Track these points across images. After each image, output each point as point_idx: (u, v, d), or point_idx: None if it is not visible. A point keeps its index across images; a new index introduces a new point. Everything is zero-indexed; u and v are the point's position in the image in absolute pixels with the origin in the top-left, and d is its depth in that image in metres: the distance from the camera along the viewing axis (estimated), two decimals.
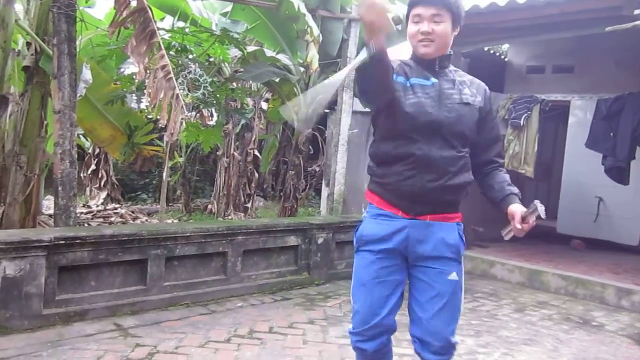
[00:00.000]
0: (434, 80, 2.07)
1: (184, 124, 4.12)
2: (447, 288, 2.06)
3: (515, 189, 2.15)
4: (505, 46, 8.19)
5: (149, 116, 6.38)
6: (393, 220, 2.08)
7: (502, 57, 8.24)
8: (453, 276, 2.07)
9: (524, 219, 2.00)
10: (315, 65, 4.99)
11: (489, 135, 2.18)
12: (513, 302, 5.04)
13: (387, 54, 1.86)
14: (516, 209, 2.04)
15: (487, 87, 2.20)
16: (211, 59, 6.28)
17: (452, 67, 2.15)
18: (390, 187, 2.08)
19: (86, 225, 6.28)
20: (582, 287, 5.38)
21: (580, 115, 7.21)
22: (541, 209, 1.96)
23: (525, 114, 6.78)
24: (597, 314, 4.86)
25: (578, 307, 5.03)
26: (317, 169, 8.95)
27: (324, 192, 6.78)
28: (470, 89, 2.12)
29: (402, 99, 2.02)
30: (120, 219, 7.28)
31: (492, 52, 8.02)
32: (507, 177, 2.19)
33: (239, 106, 7.35)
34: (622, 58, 6.80)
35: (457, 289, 2.10)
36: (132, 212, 7.85)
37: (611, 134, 6.32)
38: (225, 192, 8.08)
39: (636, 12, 4.32)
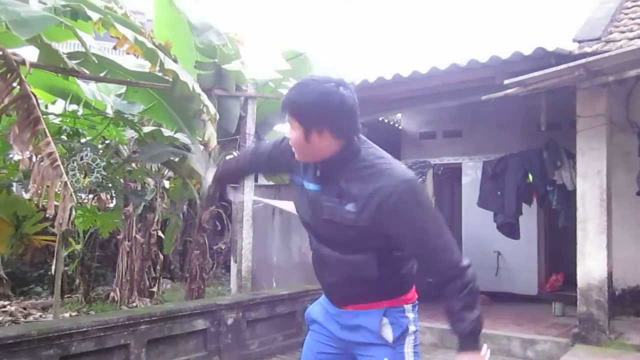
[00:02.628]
0: (315, 187, 1.92)
1: (74, 211, 3.91)
2: None
3: (460, 325, 1.82)
4: (399, 115, 8.68)
5: (40, 204, 6.02)
6: (329, 306, 2.08)
7: (397, 125, 8.70)
8: None
9: None
10: (213, 143, 4.99)
11: (411, 246, 1.85)
12: None
13: None
14: None
15: (396, 185, 1.76)
16: (107, 141, 6.12)
17: (353, 168, 1.83)
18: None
19: None
20: (490, 342, 5.49)
21: (472, 175, 7.68)
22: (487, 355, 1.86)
23: (420, 179, 7.11)
24: None
25: None
26: (223, 247, 8.78)
27: (233, 269, 6.64)
28: (357, 202, 1.79)
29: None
30: (10, 318, 6.66)
31: (386, 121, 8.45)
32: (451, 305, 1.83)
33: (139, 187, 7.14)
34: (502, 122, 7.41)
35: None
36: (24, 309, 7.21)
37: (498, 192, 6.76)
38: (129, 278, 7.66)
39: (506, 81, 4.76)
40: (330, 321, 2.06)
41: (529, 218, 7.07)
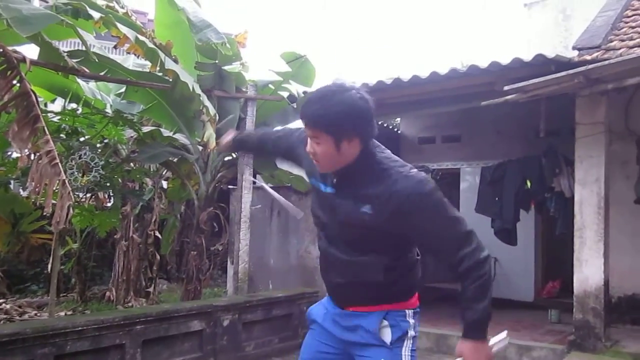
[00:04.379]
0: (330, 190, 1.96)
1: (72, 210, 3.90)
2: None
3: (467, 313, 1.90)
4: (398, 119, 8.69)
5: (38, 202, 6.01)
6: (330, 306, 2.11)
7: (396, 129, 8.71)
8: None
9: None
10: (212, 144, 4.98)
11: (428, 239, 1.89)
12: None
13: None
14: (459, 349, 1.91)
15: (413, 187, 1.81)
16: (106, 141, 6.11)
17: (369, 172, 1.86)
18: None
19: None
20: None
21: (471, 181, 7.69)
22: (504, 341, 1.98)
23: None
24: None
25: None
26: (220, 248, 8.76)
27: (230, 270, 6.63)
28: (374, 204, 1.83)
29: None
30: (5, 316, 6.63)
31: (385, 125, 8.46)
32: (465, 293, 1.90)
33: (137, 187, 7.13)
34: (501, 128, 7.42)
35: None
36: (20, 307, 7.19)
37: (496, 198, 6.76)
38: (125, 277, 7.64)
39: (506, 88, 4.77)
40: (330, 321, 2.09)
41: (526, 225, 7.07)
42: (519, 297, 7.42)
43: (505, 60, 5.18)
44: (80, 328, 3.95)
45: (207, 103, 4.95)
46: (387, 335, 1.97)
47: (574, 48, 5.64)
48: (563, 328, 6.00)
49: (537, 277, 7.55)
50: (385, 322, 1.98)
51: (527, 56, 5.11)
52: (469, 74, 5.37)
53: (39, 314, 6.86)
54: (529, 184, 6.62)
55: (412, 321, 2.04)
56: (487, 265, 1.86)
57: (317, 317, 2.15)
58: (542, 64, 5.02)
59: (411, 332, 2.02)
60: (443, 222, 1.85)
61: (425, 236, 1.87)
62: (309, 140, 1.86)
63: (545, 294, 7.41)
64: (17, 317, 6.60)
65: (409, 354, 2.01)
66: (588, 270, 5.08)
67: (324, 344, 2.11)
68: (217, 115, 5.24)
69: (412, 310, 2.06)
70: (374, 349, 1.98)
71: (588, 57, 5.21)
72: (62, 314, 6.61)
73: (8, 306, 7.08)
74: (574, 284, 5.18)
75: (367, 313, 2.00)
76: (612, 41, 5.63)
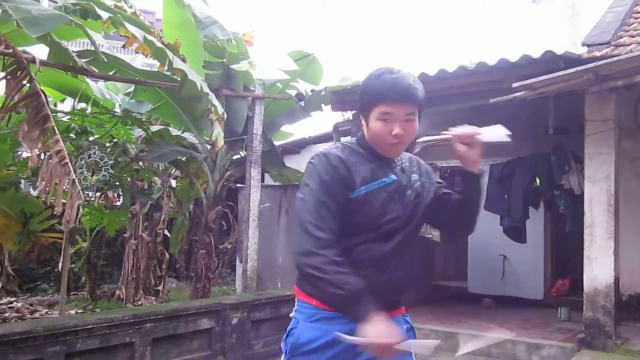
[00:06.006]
0: (393, 177, 1.90)
1: (82, 209, 3.93)
2: None
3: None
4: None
5: (48, 201, 6.06)
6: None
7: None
8: None
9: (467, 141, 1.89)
10: (220, 143, 5.00)
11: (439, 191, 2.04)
12: None
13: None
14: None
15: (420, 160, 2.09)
16: (115, 140, 6.14)
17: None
18: None
19: None
20: (495, 346, 5.51)
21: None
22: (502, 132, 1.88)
23: None
24: None
25: None
26: (229, 246, 8.80)
27: (238, 268, 6.66)
28: (417, 171, 2.02)
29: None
30: (16, 314, 6.69)
31: None
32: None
33: (146, 186, 7.17)
34: (510, 125, 7.31)
35: None
36: (30, 305, 7.25)
37: (505, 196, 6.73)
38: (135, 276, 7.68)
39: (514, 85, 4.74)
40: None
41: (535, 222, 7.03)
42: (528, 295, 7.38)
43: (513, 57, 5.15)
44: (90, 326, 3.97)
45: (215, 102, 4.97)
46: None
47: (583, 44, 5.60)
48: (573, 326, 5.97)
49: (547, 275, 7.50)
50: (409, 325, 1.96)
51: (536, 53, 5.08)
52: (477, 71, 5.35)
53: (49, 312, 6.92)
54: (538, 181, 6.59)
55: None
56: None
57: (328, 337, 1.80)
58: (551, 61, 4.99)
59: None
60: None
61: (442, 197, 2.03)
62: (394, 124, 1.81)
63: (555, 292, 7.37)
64: (28, 316, 6.66)
65: None
66: (598, 268, 5.05)
67: None
68: (225, 114, 5.26)
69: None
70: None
71: (597, 54, 5.17)
72: (73, 312, 6.66)
73: (19, 304, 7.14)
74: (584, 282, 5.14)
75: (397, 317, 1.93)
76: (621, 37, 5.59)
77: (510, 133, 1.86)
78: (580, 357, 4.74)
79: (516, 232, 6.76)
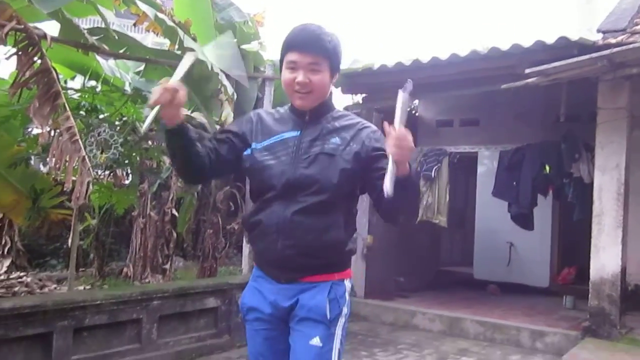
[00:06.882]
0: (295, 133, 1.93)
1: (91, 186, 3.95)
2: (306, 354, 1.85)
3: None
4: (416, 102, 8.61)
5: (57, 178, 6.09)
6: (267, 285, 1.99)
7: (414, 112, 8.64)
8: (315, 341, 1.84)
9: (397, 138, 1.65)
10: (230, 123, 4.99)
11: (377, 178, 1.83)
12: (435, 352, 5.09)
13: (184, 129, 1.87)
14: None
15: (374, 128, 1.97)
16: (125, 118, 6.14)
17: (333, 114, 1.99)
18: None
19: None
20: (499, 332, 5.54)
21: (488, 165, 7.63)
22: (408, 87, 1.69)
23: (436, 166, 7.08)
24: (514, 357, 5.00)
25: (496, 352, 5.15)
26: (236, 227, 8.82)
27: (245, 249, 6.67)
28: (341, 136, 1.92)
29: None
30: (26, 289, 6.77)
31: None
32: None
33: (155, 165, 7.18)
34: (520, 112, 7.33)
35: (320, 356, 1.85)
36: (40, 280, 7.32)
37: (514, 183, 6.71)
38: (142, 254, 7.72)
39: (527, 71, 4.70)
40: (267, 302, 1.94)
41: (543, 210, 7.01)
42: (533, 283, 7.40)
43: (527, 42, 5.09)
44: (98, 302, 4.03)
45: (226, 82, 4.94)
46: (328, 311, 1.87)
47: (598, 31, 5.53)
48: (578, 314, 5.99)
49: (553, 263, 7.51)
50: (330, 296, 1.88)
51: (550, 39, 5.01)
52: (490, 56, 5.30)
53: (58, 288, 6.99)
54: (547, 169, 6.56)
55: (347, 297, 1.95)
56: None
57: (252, 302, 1.98)
58: (565, 47, 4.94)
59: (345, 310, 1.93)
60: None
61: (375, 173, 1.83)
62: (298, 72, 1.86)
63: (561, 280, 7.38)
64: (38, 290, 6.73)
65: (342, 333, 1.92)
66: (605, 257, 5.04)
67: (265, 330, 1.96)
68: (234, 94, 5.24)
69: (350, 282, 1.99)
70: (313, 324, 1.86)
71: (612, 41, 5.10)
72: (81, 288, 6.73)
73: (29, 279, 7.22)
74: (591, 271, 5.14)
75: (317, 284, 1.89)
76: (637, 24, 5.50)
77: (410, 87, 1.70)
78: (584, 345, 4.75)
79: (524, 220, 6.75)
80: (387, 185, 1.65)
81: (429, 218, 7.05)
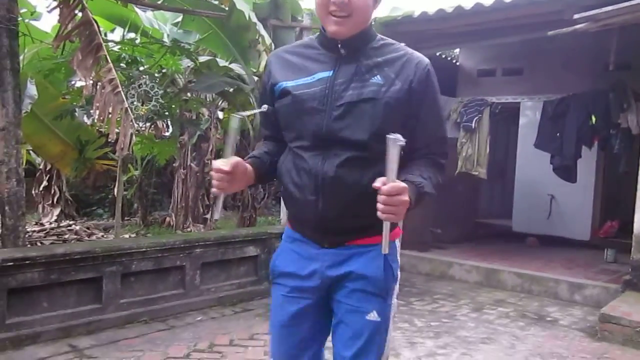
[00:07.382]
0: (327, 73, 1.63)
1: (134, 137, 4.05)
2: (364, 330, 1.63)
3: (417, 179, 1.57)
4: (457, 50, 8.37)
5: (101, 130, 6.25)
6: (308, 249, 1.74)
7: (454, 61, 8.42)
8: (372, 316, 1.64)
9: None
10: None
11: (425, 132, 1.66)
12: (471, 302, 5.13)
13: (257, 180, 1.75)
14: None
15: (424, 64, 1.65)
16: (164, 70, 6.20)
17: (373, 43, 1.66)
18: None
19: (38, 244, 6.09)
20: (537, 284, 5.53)
21: (530, 116, 7.43)
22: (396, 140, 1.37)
23: (477, 117, 6.93)
24: (552, 309, 5.00)
25: (533, 304, 5.16)
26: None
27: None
28: (383, 74, 1.61)
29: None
30: (75, 236, 7.08)
31: (443, 56, 8.19)
32: (422, 166, 1.63)
33: (194, 117, 7.27)
34: (567, 60, 7.05)
35: (379, 330, 1.66)
36: (88, 229, 7.65)
37: (557, 134, 6.53)
38: (184, 204, 7.96)
39: (575, 16, 4.48)
40: (308, 269, 1.68)
41: (587, 162, 6.82)
42: (574, 236, 7.30)
43: None
44: (144, 249, 4.19)
45: (263, 32, 4.91)
46: (384, 281, 1.66)
47: None
48: (619, 268, 5.91)
49: (595, 216, 7.36)
50: (386, 263, 1.65)
51: None
52: (536, 1, 5.07)
53: (105, 236, 7.29)
54: (593, 119, 6.34)
55: (398, 258, 1.73)
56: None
57: (287, 267, 1.73)
58: None
59: (398, 274, 1.72)
60: (441, 112, 1.76)
61: (424, 123, 1.64)
62: None
63: (602, 233, 7.25)
64: (86, 238, 7.04)
65: (396, 302, 1.73)
66: None
67: (297, 298, 1.71)
68: (272, 44, 5.21)
69: (399, 242, 1.75)
70: (368, 297, 1.64)
71: None
72: (127, 236, 7.00)
73: (77, 227, 7.54)
74: (634, 224, 5.01)
75: (368, 247, 1.64)
76: None
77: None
78: (624, 298, 4.70)
79: (566, 172, 6.59)
80: (383, 244, 1.46)
81: (468, 170, 6.97)
